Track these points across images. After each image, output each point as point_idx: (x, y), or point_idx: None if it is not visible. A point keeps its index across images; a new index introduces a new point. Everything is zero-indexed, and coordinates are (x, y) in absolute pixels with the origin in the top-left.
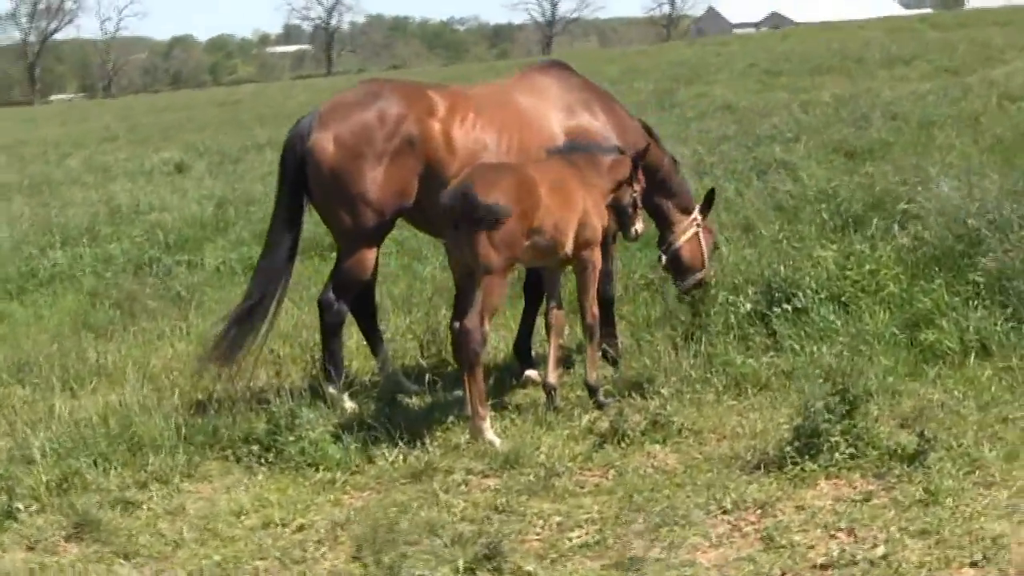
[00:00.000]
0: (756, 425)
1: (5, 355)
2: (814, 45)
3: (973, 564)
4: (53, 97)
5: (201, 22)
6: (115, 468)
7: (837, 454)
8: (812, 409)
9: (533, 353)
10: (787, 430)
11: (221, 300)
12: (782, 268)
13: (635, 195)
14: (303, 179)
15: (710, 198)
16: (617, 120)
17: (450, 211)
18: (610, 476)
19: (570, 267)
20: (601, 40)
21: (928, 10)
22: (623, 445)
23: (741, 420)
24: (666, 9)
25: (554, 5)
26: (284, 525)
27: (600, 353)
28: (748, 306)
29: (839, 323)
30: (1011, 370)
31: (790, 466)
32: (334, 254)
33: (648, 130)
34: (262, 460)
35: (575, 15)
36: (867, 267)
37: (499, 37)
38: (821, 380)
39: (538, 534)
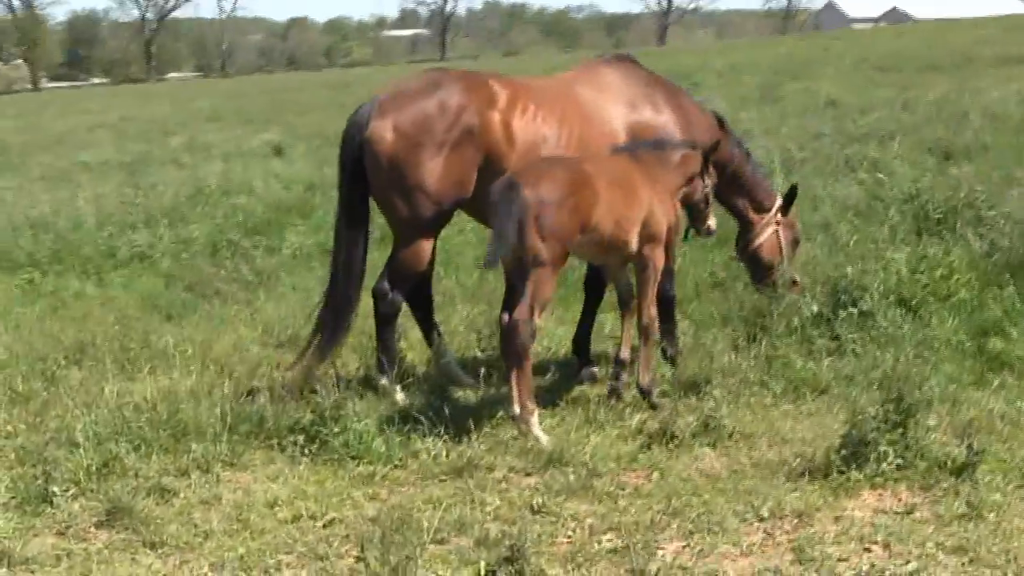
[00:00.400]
0: (809, 431)
1: (70, 336)
2: (927, 42)
3: None
4: (170, 75)
5: (319, 4)
6: (156, 454)
7: (884, 464)
8: (860, 417)
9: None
10: (838, 437)
11: (294, 285)
12: (850, 270)
13: (707, 190)
14: (361, 169)
15: (791, 195)
16: (682, 115)
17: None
18: (652, 479)
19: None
20: (719, 32)
21: None
22: (671, 447)
23: (795, 425)
24: (783, 2)
25: None
26: (315, 519)
27: (657, 354)
28: (815, 308)
29: (906, 328)
30: None
31: (835, 475)
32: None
33: (721, 123)
34: (306, 451)
35: (692, 5)
36: (939, 272)
37: (615, 26)
38: (876, 387)
39: (569, 537)
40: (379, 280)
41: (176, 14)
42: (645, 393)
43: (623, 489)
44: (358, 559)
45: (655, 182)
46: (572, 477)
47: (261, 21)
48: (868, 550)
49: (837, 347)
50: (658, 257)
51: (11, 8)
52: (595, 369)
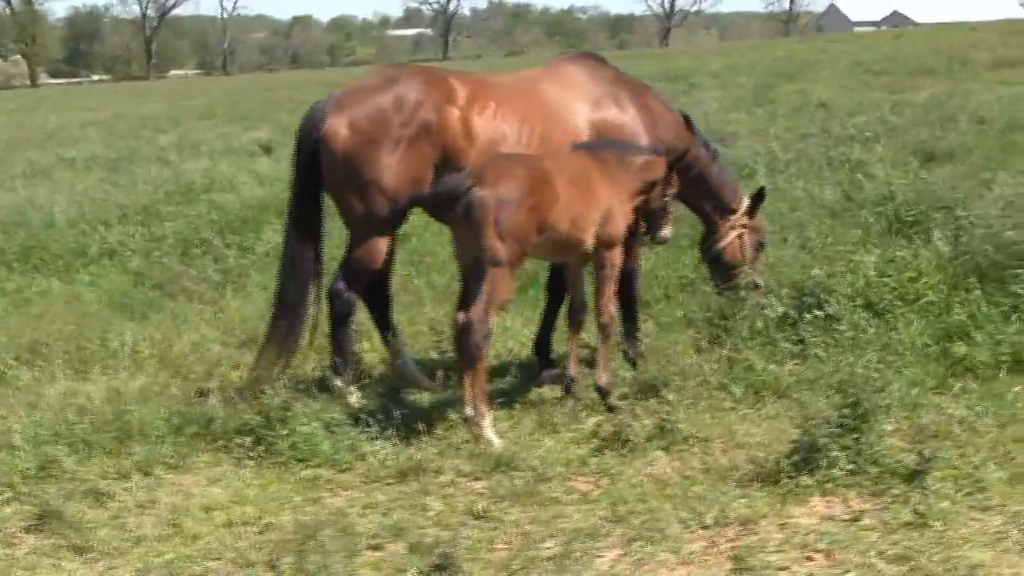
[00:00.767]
0: (766, 435)
1: (26, 335)
2: (923, 45)
3: None
4: (171, 73)
5: (323, 2)
6: (97, 457)
7: (835, 470)
8: (813, 421)
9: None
10: (791, 442)
11: (265, 285)
12: (816, 272)
13: (666, 198)
14: (316, 165)
15: (758, 197)
16: (647, 113)
17: (448, 200)
18: (601, 484)
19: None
20: (722, 34)
21: None
22: (624, 451)
23: (751, 429)
24: (785, 5)
25: None
26: (250, 524)
27: (614, 355)
28: (780, 310)
29: (871, 331)
30: None
31: (785, 480)
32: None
33: (688, 123)
34: (252, 454)
35: (694, 7)
36: (907, 274)
37: (619, 27)
38: (835, 391)
39: (508, 543)
40: (334, 280)
41: (178, 11)
42: (603, 393)
43: (569, 495)
44: (271, 566)
45: (615, 182)
46: (519, 482)
47: (265, 19)
48: (810, 558)
49: (801, 350)
50: (615, 257)
51: (9, 3)
52: (556, 371)
